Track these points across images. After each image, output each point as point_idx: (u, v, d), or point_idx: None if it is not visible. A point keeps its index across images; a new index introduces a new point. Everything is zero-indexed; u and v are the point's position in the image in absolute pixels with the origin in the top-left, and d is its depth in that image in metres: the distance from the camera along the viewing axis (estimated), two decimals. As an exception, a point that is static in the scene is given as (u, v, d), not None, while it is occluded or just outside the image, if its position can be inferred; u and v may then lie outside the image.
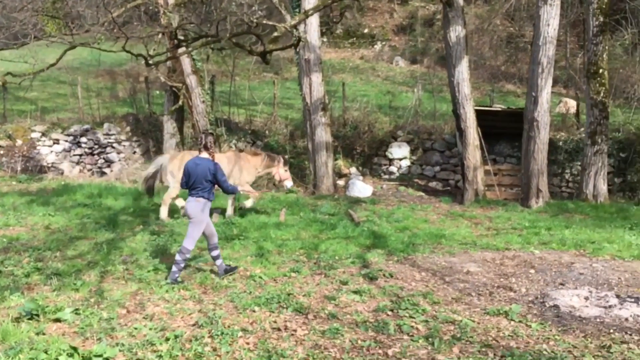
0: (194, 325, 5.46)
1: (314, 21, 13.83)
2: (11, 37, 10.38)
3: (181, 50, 9.05)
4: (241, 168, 10.74)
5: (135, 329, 5.32)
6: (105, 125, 16.51)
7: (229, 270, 7.11)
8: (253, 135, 16.27)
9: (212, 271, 7.30)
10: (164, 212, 10.55)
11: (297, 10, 13.69)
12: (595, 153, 12.60)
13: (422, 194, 14.25)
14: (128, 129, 16.51)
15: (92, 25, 8.20)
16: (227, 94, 18.20)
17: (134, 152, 16.34)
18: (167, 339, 5.03)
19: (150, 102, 17.28)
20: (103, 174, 15.97)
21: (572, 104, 16.80)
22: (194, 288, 6.66)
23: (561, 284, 6.83)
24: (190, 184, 6.80)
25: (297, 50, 14.25)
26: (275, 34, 9.36)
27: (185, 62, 14.01)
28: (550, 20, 12.00)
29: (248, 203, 10.87)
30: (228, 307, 6.00)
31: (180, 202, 10.43)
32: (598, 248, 8.66)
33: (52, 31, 10.44)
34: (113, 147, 16.29)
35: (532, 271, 7.47)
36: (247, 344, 5.02)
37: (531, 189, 12.53)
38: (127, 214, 11.07)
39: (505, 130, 14.38)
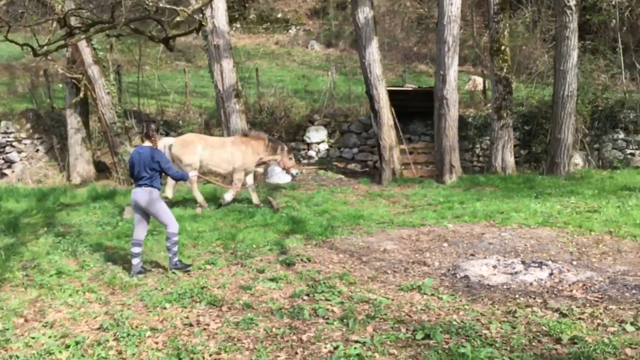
0: (98, 329, 5.14)
1: (220, 5, 13.43)
2: None
3: (74, 38, 8.45)
4: (243, 152, 10.50)
5: (33, 338, 4.93)
6: (2, 123, 15.31)
7: (181, 267, 6.85)
8: (166, 126, 15.66)
9: (124, 268, 6.95)
10: (168, 192, 10.52)
11: (202, -6, 13.21)
12: (502, 127, 13.13)
13: (342, 176, 14.32)
14: (28, 125, 15.41)
15: (-31, 13, 7.47)
16: (136, 84, 17.40)
17: (37, 151, 15.29)
18: (67, 346, 4.69)
19: (51, 97, 16.19)
20: (3, 175, 14.84)
21: (479, 81, 17.43)
22: (100, 289, 6.28)
23: (472, 255, 7.03)
24: (135, 174, 6.67)
25: (206, 36, 13.83)
26: (178, 18, 8.98)
27: (86, 52, 13.21)
28: (453, -1, 12.29)
29: (228, 196, 10.57)
30: (137, 307, 5.70)
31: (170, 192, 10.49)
32: (506, 218, 9.01)
33: None
34: (13, 147, 15.16)
35: (445, 245, 7.65)
36: (156, 343, 4.77)
37: (444, 165, 12.89)
38: (30, 217, 10.35)
39: (418, 109, 14.68)
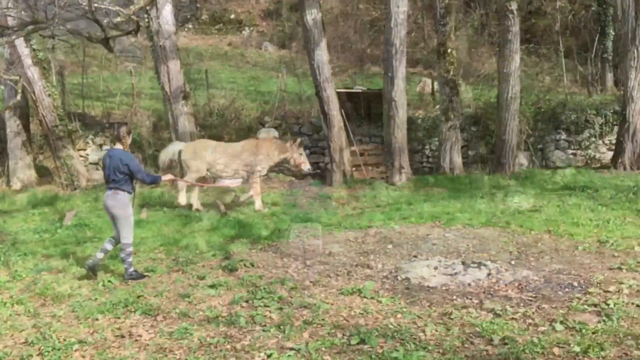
0: (23, 342, 4.90)
1: (167, 6, 13.15)
2: None
3: (5, 39, 8.09)
4: (255, 156, 10.34)
5: (-49, 356, 4.66)
6: (-64, 126, 14.56)
7: (136, 277, 6.66)
8: (112, 129, 15.23)
9: (58, 278, 6.69)
10: (181, 198, 10.47)
11: (147, -6, 12.91)
12: (449, 128, 13.33)
13: (293, 178, 14.24)
14: (-36, 129, 14.70)
15: None
16: (81, 86, 16.87)
17: (-26, 155, 14.60)
18: (-13, 364, 4.45)
19: (-11, 99, 15.51)
20: (-64, 181, 14.10)
21: (429, 83, 17.66)
22: (30, 301, 6.01)
23: (414, 257, 7.07)
24: (106, 177, 6.59)
25: (152, 36, 13.53)
26: (118, 19, 8.72)
27: (24, 53, 12.69)
28: (400, 2, 12.40)
29: (257, 204, 10.40)
30: (68, 318, 5.47)
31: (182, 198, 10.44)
32: (451, 218, 9.12)
33: None
34: (-53, 151, 14.44)
35: (390, 246, 7.67)
36: (83, 357, 4.58)
37: (394, 166, 12.98)
38: (-39, 225, 9.87)
39: (368, 111, 14.75)
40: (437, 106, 14.74)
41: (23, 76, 12.52)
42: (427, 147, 14.97)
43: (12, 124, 13.66)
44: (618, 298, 5.23)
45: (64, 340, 4.89)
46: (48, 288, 6.33)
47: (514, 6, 12.51)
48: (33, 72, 12.80)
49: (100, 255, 6.74)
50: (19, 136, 13.66)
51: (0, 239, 8.82)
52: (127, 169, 6.47)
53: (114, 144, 6.84)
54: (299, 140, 10.92)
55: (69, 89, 16.45)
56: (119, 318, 5.39)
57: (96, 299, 5.96)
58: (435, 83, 16.02)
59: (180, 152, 10.53)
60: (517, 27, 12.78)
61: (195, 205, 10.47)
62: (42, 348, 4.71)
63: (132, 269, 6.65)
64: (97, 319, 5.36)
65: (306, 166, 10.92)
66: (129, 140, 6.81)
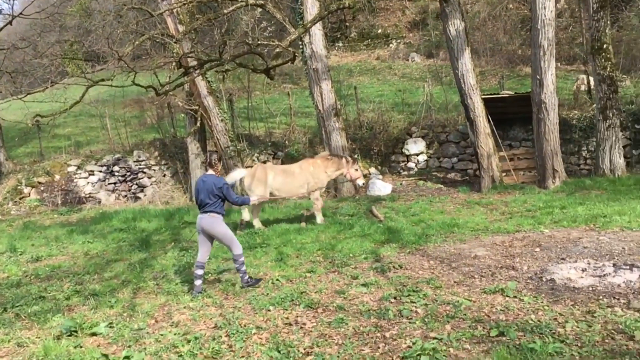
0: (214, 327, 6.02)
1: (318, 32, 14.32)
2: (35, 82, 11.27)
3: (189, 77, 9.69)
4: (312, 174, 11.09)
5: (162, 335, 5.91)
6: (135, 152, 17.42)
7: (252, 283, 7.36)
8: (273, 147, 16.86)
9: (237, 277, 7.85)
10: (257, 223, 11.11)
11: (300, 23, 14.23)
12: (608, 127, 12.64)
13: (441, 186, 14.52)
14: (156, 153, 17.38)
15: (104, 63, 8.92)
16: (246, 109, 18.88)
17: (164, 175, 17.18)
18: (189, 341, 5.59)
19: (174, 126, 18.12)
20: (137, 198, 16.85)
21: (584, 80, 16.74)
22: (216, 295, 7.22)
23: (562, 259, 7.09)
24: (199, 201, 7.27)
25: (305, 61, 14.80)
26: (277, 50, 9.94)
27: (201, 85, 14.73)
28: (546, 2, 12.15)
29: (319, 218, 11.12)
30: (246, 309, 6.53)
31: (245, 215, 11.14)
32: (608, 221, 8.82)
33: (73, 71, 11.24)
34: (144, 172, 17.18)
35: (538, 249, 7.73)
36: (260, 339, 5.53)
37: (547, 170, 12.66)
38: (160, 234, 11.78)
39: (517, 114, 14.52)
40: (594, 105, 14.03)
41: (200, 105, 14.57)
42: (584, 148, 14.29)
43: (193, 147, 15.84)
44: None
45: (245, 326, 5.91)
46: (229, 285, 7.53)
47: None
48: (209, 101, 14.78)
49: (198, 282, 7.27)
50: (199, 157, 15.78)
51: (188, 245, 10.43)
52: (220, 192, 7.14)
53: (207, 170, 7.36)
54: (354, 157, 11.32)
55: (237, 113, 18.52)
56: (286, 309, 6.31)
57: (267, 294, 6.97)
58: (592, 80, 15.21)
59: (242, 179, 11.06)
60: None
61: (256, 225, 11.05)
62: (228, 331, 5.77)
63: (247, 277, 7.31)
64: (269, 310, 6.34)
65: (360, 181, 11.31)
66: (219, 167, 7.46)
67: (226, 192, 7.21)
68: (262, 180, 10.94)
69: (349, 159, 11.41)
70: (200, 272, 7.30)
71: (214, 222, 7.19)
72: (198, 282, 7.31)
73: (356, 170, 11.29)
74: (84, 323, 6.36)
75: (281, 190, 11.05)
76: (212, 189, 7.11)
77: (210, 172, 7.34)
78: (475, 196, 12.77)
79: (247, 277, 7.35)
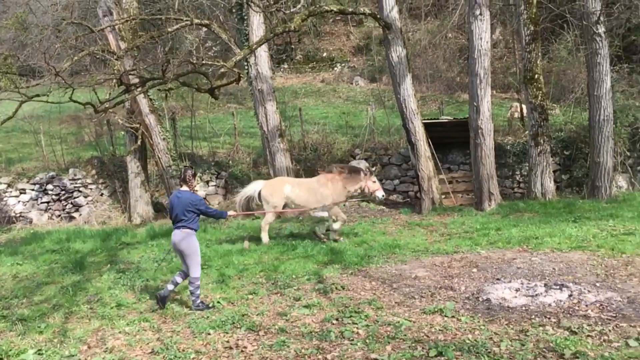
0: (150, 352, 5.82)
1: (263, 53, 14.41)
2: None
3: (129, 95, 9.50)
4: (330, 190, 10.90)
5: (95, 362, 5.66)
6: (71, 170, 16.78)
7: (202, 308, 7.21)
8: (217, 167, 16.69)
9: (175, 299, 7.65)
10: (264, 237, 10.96)
11: (246, 44, 14.28)
12: (539, 153, 13.28)
13: (383, 207, 14.75)
14: (93, 172, 16.81)
15: (40, 78, 8.62)
16: (190, 128, 18.64)
17: (101, 194, 16.62)
18: (124, 368, 5.38)
19: (113, 144, 17.63)
20: (72, 218, 16.19)
21: (517, 108, 17.57)
22: (154, 319, 7.00)
23: (497, 279, 7.33)
24: (173, 217, 7.25)
25: (251, 81, 14.82)
26: (222, 70, 9.92)
27: (143, 103, 14.46)
28: (482, 34, 12.74)
29: (336, 225, 11.00)
30: (185, 333, 6.37)
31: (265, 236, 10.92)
32: (540, 243, 9.21)
33: (6, 85, 10.79)
34: (80, 192, 16.56)
35: (475, 270, 7.97)
36: (199, 364, 5.40)
37: (483, 192, 13.14)
38: (95, 256, 11.33)
39: (456, 139, 15.04)
40: (527, 132, 14.72)
41: (142, 123, 14.26)
42: (517, 172, 14.94)
43: (133, 166, 15.45)
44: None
45: (183, 350, 5.75)
46: (168, 308, 7.32)
47: (601, 29, 12.41)
48: (150, 119, 14.51)
49: (170, 287, 7.37)
50: (139, 176, 15.41)
51: (125, 267, 10.10)
52: (195, 208, 7.18)
53: (181, 186, 7.40)
54: (371, 169, 11.28)
55: (180, 132, 18.24)
56: (227, 333, 6.20)
57: (208, 317, 6.83)
58: (525, 108, 15.98)
59: (260, 190, 11.07)
60: (606, 50, 12.63)
61: (264, 239, 11.03)
62: (165, 356, 5.59)
63: (199, 301, 7.26)
64: (209, 334, 6.21)
65: (380, 192, 11.15)
66: (194, 182, 7.48)
67: (202, 208, 7.26)
68: (278, 191, 10.92)
69: (367, 171, 11.26)
70: (178, 279, 7.31)
71: (185, 237, 7.19)
72: (170, 287, 7.30)
73: (374, 182, 11.11)
74: (10, 350, 6.02)
75: (298, 202, 10.93)
76: (187, 205, 7.11)
77: (185, 188, 7.33)
78: (416, 218, 13.06)
79: (199, 301, 7.26)
